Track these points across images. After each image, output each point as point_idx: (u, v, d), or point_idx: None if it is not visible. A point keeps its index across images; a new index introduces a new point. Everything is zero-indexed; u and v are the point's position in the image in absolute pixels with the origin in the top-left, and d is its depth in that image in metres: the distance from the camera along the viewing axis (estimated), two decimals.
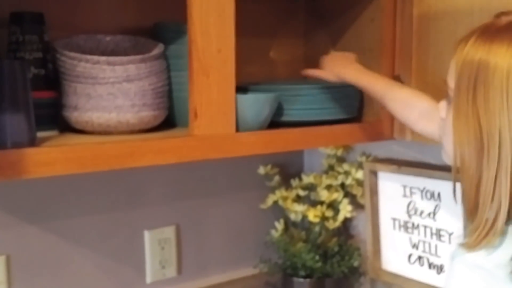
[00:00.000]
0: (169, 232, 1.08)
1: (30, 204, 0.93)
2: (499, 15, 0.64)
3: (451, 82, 0.64)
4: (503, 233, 0.59)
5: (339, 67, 0.90)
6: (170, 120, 0.91)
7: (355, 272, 1.18)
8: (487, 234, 0.58)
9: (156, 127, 0.87)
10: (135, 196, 1.05)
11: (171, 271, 1.09)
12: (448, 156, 0.66)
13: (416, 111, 0.82)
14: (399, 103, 0.84)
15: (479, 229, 0.59)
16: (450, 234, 1.04)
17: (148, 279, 1.06)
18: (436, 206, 1.05)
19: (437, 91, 0.81)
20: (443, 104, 0.68)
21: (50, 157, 0.69)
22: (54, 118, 0.83)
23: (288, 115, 0.93)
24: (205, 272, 1.14)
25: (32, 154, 0.68)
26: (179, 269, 1.10)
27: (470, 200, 0.61)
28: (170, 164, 1.05)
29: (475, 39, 0.61)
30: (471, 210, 0.61)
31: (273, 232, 1.19)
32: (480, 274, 0.60)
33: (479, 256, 0.60)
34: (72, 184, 0.97)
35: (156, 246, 1.06)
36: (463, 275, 0.62)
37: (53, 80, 0.83)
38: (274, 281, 1.18)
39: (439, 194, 1.04)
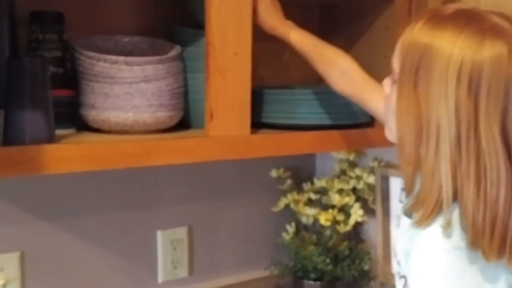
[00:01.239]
0: (181, 232, 1.09)
1: (45, 201, 0.95)
2: (446, 1, 0.65)
3: (396, 64, 0.64)
4: None
5: (275, 21, 0.88)
6: (185, 121, 0.92)
7: (365, 276, 1.18)
8: (432, 212, 0.59)
9: (171, 128, 0.88)
10: (149, 196, 1.05)
11: (183, 272, 1.09)
12: (390, 133, 0.68)
13: (338, 71, 0.84)
14: (323, 61, 0.86)
15: (423, 208, 0.60)
16: None
17: (160, 279, 1.07)
18: None
19: None
20: (387, 81, 0.69)
21: (68, 154, 0.70)
22: (72, 116, 0.84)
23: (302, 119, 0.93)
24: (216, 273, 1.14)
25: (50, 150, 0.69)
26: (191, 270, 1.11)
27: (408, 179, 0.63)
28: (185, 165, 1.06)
29: (422, 23, 0.61)
30: (409, 188, 0.63)
31: (284, 235, 1.19)
32: (457, 254, 0.58)
33: (454, 237, 0.59)
34: (87, 182, 0.98)
35: (168, 246, 1.07)
36: (436, 261, 0.59)
37: (72, 79, 0.84)
38: (285, 283, 1.18)
39: None
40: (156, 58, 0.84)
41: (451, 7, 0.63)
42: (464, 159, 0.58)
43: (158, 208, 1.06)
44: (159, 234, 1.06)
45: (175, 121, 0.88)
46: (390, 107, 0.66)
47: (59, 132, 0.76)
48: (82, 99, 0.84)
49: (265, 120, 0.94)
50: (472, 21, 0.60)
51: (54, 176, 0.92)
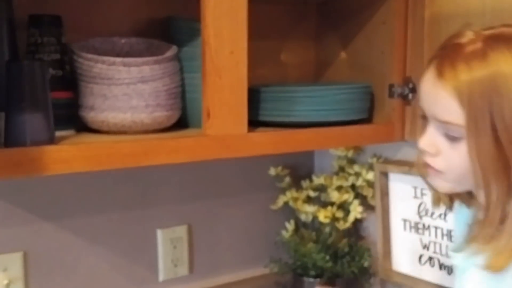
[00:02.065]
0: (181, 231, 1.10)
1: (46, 202, 0.96)
2: (458, 35, 0.62)
3: (453, 117, 0.59)
4: None
5: None
6: (183, 121, 0.93)
7: (366, 273, 1.18)
8: None
9: (169, 128, 0.89)
10: (149, 196, 1.06)
11: (183, 270, 1.10)
12: (449, 184, 0.64)
13: None
14: None
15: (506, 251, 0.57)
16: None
17: (161, 277, 1.08)
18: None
19: None
20: (431, 138, 0.63)
21: (68, 155, 0.71)
22: (71, 118, 0.85)
23: (299, 116, 0.94)
24: (216, 271, 1.15)
25: (50, 151, 0.70)
26: (191, 268, 1.12)
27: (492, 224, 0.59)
28: (183, 165, 1.07)
29: (465, 62, 0.57)
30: (492, 234, 0.59)
31: (283, 232, 1.20)
32: None
33: None
34: (87, 183, 0.99)
35: (168, 245, 1.08)
36: None
37: (70, 81, 0.85)
38: (284, 281, 1.19)
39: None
40: (153, 58, 0.85)
41: (471, 39, 0.60)
42: None
43: (157, 207, 1.07)
44: (159, 233, 1.07)
45: (172, 121, 0.89)
46: (452, 159, 0.61)
47: (59, 133, 0.77)
48: (81, 100, 0.85)
49: (262, 118, 0.95)
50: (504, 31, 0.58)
51: (56, 177, 0.93)
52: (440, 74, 0.60)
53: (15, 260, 0.92)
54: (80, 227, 0.99)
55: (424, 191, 1.09)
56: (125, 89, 0.83)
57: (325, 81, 1.17)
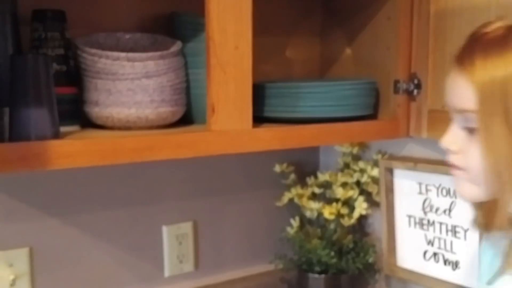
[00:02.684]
0: (186, 227, 1.10)
1: (52, 198, 0.96)
2: (485, 24, 0.61)
3: (467, 106, 0.59)
4: None
5: None
6: (187, 116, 0.92)
7: (371, 269, 1.18)
8: None
9: (174, 123, 0.89)
10: (154, 192, 1.06)
11: (189, 266, 1.10)
12: (473, 187, 0.61)
13: None
14: None
15: None
16: (465, 231, 1.04)
17: (166, 273, 1.08)
18: (452, 203, 1.05)
19: None
20: (452, 135, 0.62)
21: (73, 149, 0.71)
22: (76, 113, 0.85)
23: (304, 112, 0.94)
24: (221, 267, 1.15)
25: (55, 146, 0.70)
26: (196, 264, 1.12)
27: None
28: (188, 161, 1.07)
29: (483, 57, 0.57)
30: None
31: (288, 229, 1.19)
32: None
33: None
34: (93, 179, 1.00)
35: (174, 241, 1.08)
36: None
37: (75, 76, 0.85)
38: (289, 277, 1.18)
39: (454, 191, 1.04)
40: (157, 53, 0.85)
41: (495, 26, 0.59)
42: None
43: (163, 203, 1.07)
44: (165, 229, 1.07)
45: (177, 116, 0.89)
46: (473, 159, 0.59)
47: (63, 129, 0.77)
48: (85, 96, 0.85)
49: (268, 114, 0.95)
50: None
51: (61, 172, 0.94)
52: (458, 61, 0.59)
53: (21, 256, 0.92)
54: (85, 223, 0.99)
55: (428, 187, 1.08)
56: (129, 85, 0.83)
57: (330, 77, 1.16)
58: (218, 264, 1.15)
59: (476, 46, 0.58)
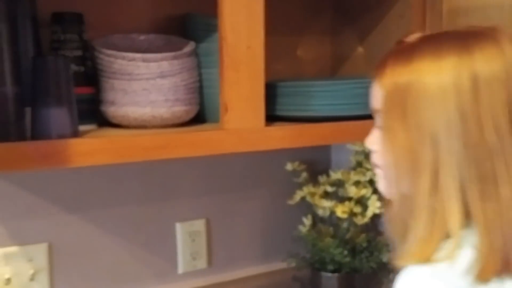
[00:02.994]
0: (199, 225, 1.12)
1: (70, 195, 0.98)
2: (407, 35, 0.64)
3: (378, 107, 0.63)
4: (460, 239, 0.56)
5: None
6: (201, 115, 0.94)
7: (384, 268, 1.18)
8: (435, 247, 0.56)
9: (187, 122, 0.90)
10: (168, 190, 1.08)
11: (202, 263, 1.12)
12: (386, 183, 0.64)
13: None
14: None
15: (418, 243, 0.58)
16: None
17: (180, 270, 1.10)
18: None
19: None
20: (372, 135, 0.66)
21: (91, 148, 0.73)
22: (93, 113, 0.87)
23: (316, 111, 0.95)
24: (234, 265, 1.16)
25: (74, 144, 0.72)
26: (209, 261, 1.13)
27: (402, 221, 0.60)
28: (202, 159, 1.08)
29: (393, 63, 0.61)
30: (403, 231, 0.60)
31: (300, 227, 1.20)
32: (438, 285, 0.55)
33: (439, 266, 0.55)
34: (109, 177, 1.02)
35: (187, 238, 1.10)
36: None
37: (92, 76, 0.87)
38: (302, 275, 1.19)
39: None
40: (171, 54, 0.86)
41: (413, 37, 0.63)
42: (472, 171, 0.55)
43: (176, 201, 1.09)
44: (178, 226, 1.09)
45: (191, 115, 0.91)
46: (385, 157, 0.62)
47: (81, 128, 0.79)
48: (102, 96, 0.87)
49: (280, 113, 0.96)
50: (443, 38, 0.59)
51: (79, 170, 0.96)
52: (376, 67, 0.64)
53: (40, 251, 0.95)
54: (102, 219, 1.01)
55: None
56: (144, 84, 0.85)
57: (342, 76, 1.17)
58: (230, 262, 1.16)
59: (391, 54, 0.62)
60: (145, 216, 1.06)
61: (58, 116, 0.73)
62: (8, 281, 0.92)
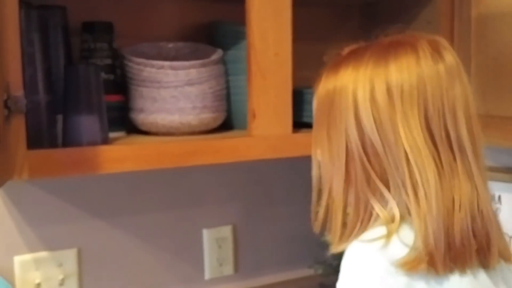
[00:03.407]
0: (226, 231, 1.12)
1: (99, 201, 1.00)
2: (342, 49, 0.68)
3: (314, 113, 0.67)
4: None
5: None
6: (228, 122, 0.94)
7: None
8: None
9: (215, 129, 0.91)
10: (195, 196, 1.09)
11: (228, 269, 1.12)
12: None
13: None
14: None
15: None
16: (510, 238, 1.01)
17: (207, 276, 1.10)
18: (496, 210, 1.02)
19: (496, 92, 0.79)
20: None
21: (121, 155, 0.74)
22: (122, 120, 0.88)
23: None
24: (260, 271, 1.16)
25: (105, 151, 0.73)
26: (236, 268, 1.13)
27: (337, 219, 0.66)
28: (229, 166, 1.09)
29: (325, 74, 0.65)
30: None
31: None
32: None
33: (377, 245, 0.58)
34: (137, 183, 1.03)
35: (214, 245, 1.10)
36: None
37: (121, 84, 0.88)
38: (329, 282, 1.18)
39: (499, 197, 1.01)
40: (199, 62, 0.87)
41: (347, 49, 0.67)
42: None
43: (203, 207, 1.10)
44: (205, 232, 1.10)
45: (218, 122, 0.91)
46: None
47: (110, 135, 0.81)
48: (131, 103, 0.88)
49: (307, 119, 0.95)
50: (368, 49, 0.63)
51: (108, 176, 0.98)
52: (317, 77, 0.67)
53: (70, 256, 0.96)
54: (130, 225, 1.02)
55: None
56: (173, 92, 0.86)
57: None
58: (257, 268, 1.16)
59: (327, 66, 0.66)
60: (173, 223, 1.06)
61: (88, 123, 0.75)
62: (38, 286, 0.94)
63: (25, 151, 0.69)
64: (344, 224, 0.63)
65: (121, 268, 1.01)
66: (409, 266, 0.56)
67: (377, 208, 0.60)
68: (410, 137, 0.57)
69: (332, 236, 0.66)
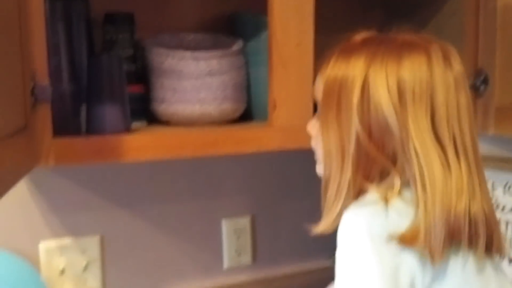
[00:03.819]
0: (244, 222, 1.12)
1: (122, 190, 1.01)
2: (353, 35, 0.68)
3: (319, 97, 0.68)
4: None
5: None
6: (248, 113, 0.95)
7: None
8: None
9: (235, 120, 0.91)
10: (215, 187, 1.10)
11: (247, 259, 1.13)
12: (320, 168, 0.71)
13: None
14: None
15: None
16: None
17: (225, 265, 1.11)
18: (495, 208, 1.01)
19: None
20: (313, 122, 0.71)
21: (143, 144, 0.75)
22: (143, 110, 0.89)
23: None
24: (279, 261, 1.16)
25: (127, 140, 0.74)
26: (254, 257, 1.14)
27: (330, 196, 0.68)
28: (248, 157, 1.09)
29: (335, 59, 0.65)
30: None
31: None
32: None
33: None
34: (159, 173, 1.04)
35: (232, 235, 1.11)
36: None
37: (142, 75, 0.89)
38: None
39: None
40: (220, 52, 0.87)
41: (359, 37, 0.67)
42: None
43: (223, 198, 1.10)
44: (224, 223, 1.10)
45: (238, 113, 0.92)
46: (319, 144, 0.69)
47: (132, 125, 0.82)
48: (152, 94, 0.89)
49: None
50: (383, 43, 0.64)
51: (130, 167, 0.99)
52: (323, 61, 0.68)
53: (93, 243, 0.98)
54: (151, 214, 1.04)
55: (495, 185, 1.05)
56: (193, 82, 0.86)
57: None
58: (275, 258, 1.16)
59: (336, 49, 0.67)
60: (193, 212, 1.08)
61: (112, 112, 0.76)
62: (62, 271, 0.96)
63: (51, 139, 0.70)
64: (340, 201, 0.65)
65: (142, 256, 1.03)
66: (405, 240, 0.58)
67: (376, 185, 0.62)
68: (419, 132, 0.60)
69: (324, 209, 0.69)
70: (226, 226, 1.10)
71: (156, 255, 1.04)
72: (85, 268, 0.98)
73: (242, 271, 1.12)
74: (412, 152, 0.60)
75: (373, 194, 0.61)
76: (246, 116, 0.94)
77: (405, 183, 0.61)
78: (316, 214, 1.18)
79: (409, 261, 0.58)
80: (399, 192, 0.60)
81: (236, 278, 1.12)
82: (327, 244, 1.20)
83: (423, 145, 0.60)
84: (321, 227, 0.68)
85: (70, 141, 0.73)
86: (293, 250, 1.18)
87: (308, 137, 0.85)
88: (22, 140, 0.61)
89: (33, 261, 0.93)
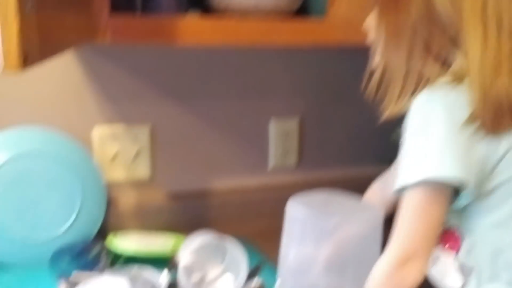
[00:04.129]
0: (292, 123, 1.12)
1: (174, 82, 1.01)
2: None
3: None
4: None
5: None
6: (305, 7, 0.90)
7: None
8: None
9: (291, 13, 0.87)
10: (265, 86, 1.08)
11: (292, 160, 1.14)
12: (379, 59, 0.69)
13: None
14: None
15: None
16: None
17: (270, 165, 1.12)
18: None
19: None
20: (372, 15, 0.69)
21: (199, 27, 0.74)
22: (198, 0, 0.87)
23: None
24: (324, 165, 1.17)
25: (183, 22, 0.73)
26: (300, 160, 1.15)
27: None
28: (300, 58, 1.06)
29: None
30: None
31: (398, 131, 1.16)
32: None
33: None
34: (211, 69, 1.03)
35: (279, 136, 1.11)
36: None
37: None
38: None
39: None
40: None
41: None
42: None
43: (272, 98, 1.09)
44: (272, 123, 1.10)
45: (295, 6, 0.87)
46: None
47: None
48: None
49: None
50: None
51: (183, 61, 0.98)
52: None
53: (143, 132, 1.01)
54: (201, 109, 1.04)
55: None
56: None
57: None
58: (320, 161, 1.16)
59: None
60: (242, 111, 1.07)
61: None
62: (114, 157, 0.99)
63: (108, 16, 0.69)
64: (403, 87, 0.65)
65: (189, 149, 1.05)
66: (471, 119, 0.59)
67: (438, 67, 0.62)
68: (471, 13, 0.60)
69: (387, 99, 0.68)
70: (273, 126, 1.10)
71: (203, 150, 1.06)
72: (137, 155, 1.01)
73: (286, 172, 1.14)
74: (463, 29, 0.60)
75: (443, 77, 0.61)
76: (303, 10, 0.90)
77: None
78: (365, 120, 1.16)
79: (480, 139, 0.60)
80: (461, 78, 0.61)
81: (280, 179, 1.13)
82: (373, 151, 1.19)
83: (472, 21, 0.60)
84: (387, 115, 0.69)
85: (126, 19, 0.72)
86: (339, 155, 1.18)
87: (366, 34, 0.82)
88: (82, 9, 0.61)
89: (87, 146, 0.96)
